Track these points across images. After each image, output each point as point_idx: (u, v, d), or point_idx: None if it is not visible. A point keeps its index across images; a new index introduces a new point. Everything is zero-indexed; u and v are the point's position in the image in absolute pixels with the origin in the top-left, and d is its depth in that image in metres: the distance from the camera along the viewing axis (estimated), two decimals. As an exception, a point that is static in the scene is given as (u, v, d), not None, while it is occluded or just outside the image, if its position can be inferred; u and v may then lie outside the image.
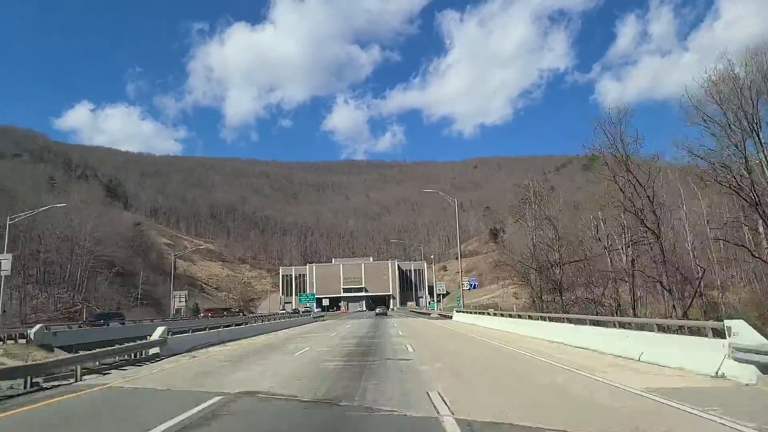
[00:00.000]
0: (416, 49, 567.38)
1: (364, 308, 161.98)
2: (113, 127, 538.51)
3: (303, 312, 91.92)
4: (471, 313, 51.74)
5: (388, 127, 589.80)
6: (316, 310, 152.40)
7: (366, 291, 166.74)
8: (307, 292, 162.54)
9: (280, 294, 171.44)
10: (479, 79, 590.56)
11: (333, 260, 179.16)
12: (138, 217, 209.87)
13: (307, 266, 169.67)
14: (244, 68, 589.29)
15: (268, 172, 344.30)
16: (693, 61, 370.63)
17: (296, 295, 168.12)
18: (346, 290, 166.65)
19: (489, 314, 42.01)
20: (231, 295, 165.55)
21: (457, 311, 61.22)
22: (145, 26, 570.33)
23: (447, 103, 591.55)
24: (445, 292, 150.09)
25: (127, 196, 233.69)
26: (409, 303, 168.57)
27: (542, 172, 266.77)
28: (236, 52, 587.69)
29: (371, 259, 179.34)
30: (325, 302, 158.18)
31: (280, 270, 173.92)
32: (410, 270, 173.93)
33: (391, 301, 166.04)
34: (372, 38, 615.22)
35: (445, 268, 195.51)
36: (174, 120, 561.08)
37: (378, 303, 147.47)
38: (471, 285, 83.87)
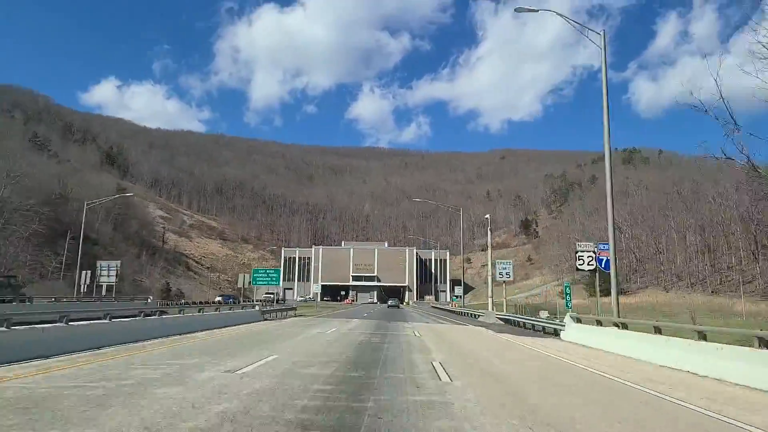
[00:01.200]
0: (447, 39, 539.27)
1: (375, 299, 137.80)
2: (138, 104, 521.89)
3: (258, 301, 65.80)
4: (603, 324, 23.35)
5: (413, 118, 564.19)
6: (299, 298, 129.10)
7: (378, 280, 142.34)
8: (313, 278, 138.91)
9: (281, 279, 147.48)
10: (510, 73, 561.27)
11: (343, 243, 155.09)
12: (134, 187, 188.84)
13: (313, 248, 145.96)
14: (271, 51, 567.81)
15: (284, 153, 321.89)
16: (733, 65, 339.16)
17: (299, 280, 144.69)
18: (355, 278, 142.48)
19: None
20: (224, 276, 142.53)
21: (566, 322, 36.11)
22: (174, 2, 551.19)
23: (474, 96, 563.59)
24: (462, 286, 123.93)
25: (127, 165, 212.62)
26: (427, 297, 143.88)
27: (575, 164, 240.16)
28: (264, 34, 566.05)
29: (386, 244, 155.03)
30: (324, 292, 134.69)
31: (283, 251, 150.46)
32: (430, 260, 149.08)
33: (407, 293, 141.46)
34: (402, 25, 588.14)
35: (469, 260, 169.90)
36: (199, 101, 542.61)
37: (391, 295, 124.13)
38: (504, 273, 59.09)
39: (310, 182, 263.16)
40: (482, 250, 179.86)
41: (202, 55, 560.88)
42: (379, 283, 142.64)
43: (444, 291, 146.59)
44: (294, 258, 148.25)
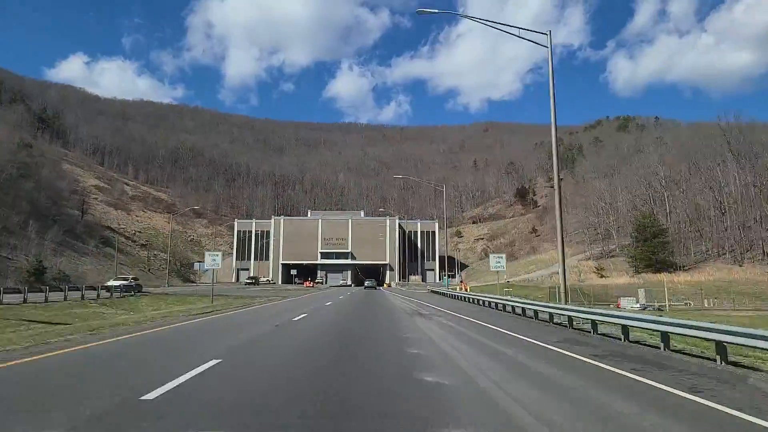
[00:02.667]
0: (428, 15, 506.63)
1: (350, 281, 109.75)
2: (108, 81, 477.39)
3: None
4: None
5: (393, 97, 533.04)
6: (247, 281, 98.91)
7: (353, 258, 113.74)
8: (272, 254, 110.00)
9: (234, 258, 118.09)
10: (490, 50, 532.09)
11: (309, 213, 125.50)
12: (69, 153, 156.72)
13: (273, 220, 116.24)
14: (246, 26, 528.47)
15: (254, 125, 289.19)
16: (709, 45, 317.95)
17: (257, 259, 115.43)
18: (325, 255, 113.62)
19: None
20: (163, 255, 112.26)
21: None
22: None
23: (454, 75, 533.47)
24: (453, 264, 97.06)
25: (65, 130, 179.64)
26: (412, 277, 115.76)
27: (567, 133, 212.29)
28: (238, 8, 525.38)
29: (362, 213, 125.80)
30: (288, 272, 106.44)
31: (236, 224, 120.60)
32: (415, 232, 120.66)
33: (388, 273, 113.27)
34: (382, 1, 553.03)
35: (459, 234, 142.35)
36: (171, 78, 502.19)
37: (369, 275, 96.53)
38: (499, 267, 30.45)
39: (279, 154, 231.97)
40: (473, 222, 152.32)
41: (173, 30, 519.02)
42: (353, 261, 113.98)
43: (432, 270, 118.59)
44: (249, 232, 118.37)
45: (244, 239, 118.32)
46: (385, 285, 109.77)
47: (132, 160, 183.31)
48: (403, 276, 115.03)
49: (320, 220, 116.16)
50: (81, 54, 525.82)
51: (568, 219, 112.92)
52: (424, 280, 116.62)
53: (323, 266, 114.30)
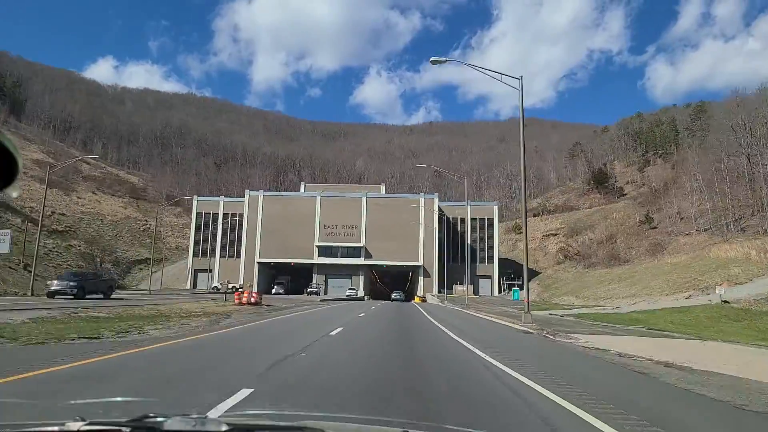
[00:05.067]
0: (460, 19, 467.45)
1: (361, 290, 68.00)
2: (135, 85, 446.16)
3: None
4: None
5: (422, 102, 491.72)
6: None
7: (368, 255, 71.96)
8: (245, 250, 69.14)
9: (191, 253, 76.77)
10: (523, 56, 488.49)
11: (303, 187, 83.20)
12: (19, 125, 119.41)
13: (247, 197, 74.29)
14: (273, 30, 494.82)
15: (267, 116, 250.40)
16: (755, 50, 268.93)
17: (225, 256, 73.96)
18: (325, 251, 72.03)
19: None
20: (82, 247, 72.09)
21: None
22: None
23: (485, 81, 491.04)
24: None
25: (22, 101, 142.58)
26: (459, 287, 72.86)
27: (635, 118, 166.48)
28: (265, 12, 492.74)
29: (383, 189, 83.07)
30: (268, 275, 65.85)
31: (194, 203, 79.13)
32: (463, 220, 77.77)
33: (421, 280, 71.18)
34: (413, 3, 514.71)
35: (518, 229, 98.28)
36: (199, 83, 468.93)
37: (393, 282, 54.98)
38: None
39: (289, 141, 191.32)
40: (535, 215, 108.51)
41: (200, 34, 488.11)
42: (368, 261, 71.85)
43: (488, 276, 75.32)
44: (214, 217, 76.94)
45: (207, 227, 76.83)
46: (416, 298, 67.79)
47: (105, 139, 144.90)
48: (444, 284, 72.17)
49: (318, 198, 74.05)
50: (110, 57, 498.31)
51: (684, 205, 69.30)
52: (476, 292, 73.49)
53: (322, 267, 72.26)
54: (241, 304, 27.59)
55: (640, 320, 25.84)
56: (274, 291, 64.29)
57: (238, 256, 73.59)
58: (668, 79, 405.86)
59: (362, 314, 24.01)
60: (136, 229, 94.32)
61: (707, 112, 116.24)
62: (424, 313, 27.91)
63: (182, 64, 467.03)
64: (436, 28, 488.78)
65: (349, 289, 66.42)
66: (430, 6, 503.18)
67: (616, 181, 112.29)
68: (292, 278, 75.03)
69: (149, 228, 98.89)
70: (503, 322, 19.71)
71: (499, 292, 75.20)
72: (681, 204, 75.06)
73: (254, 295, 28.54)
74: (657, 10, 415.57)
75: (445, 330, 15.58)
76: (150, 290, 62.88)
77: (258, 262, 71.75)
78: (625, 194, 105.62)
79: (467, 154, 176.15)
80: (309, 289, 65.54)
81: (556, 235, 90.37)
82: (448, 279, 71.69)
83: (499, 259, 77.82)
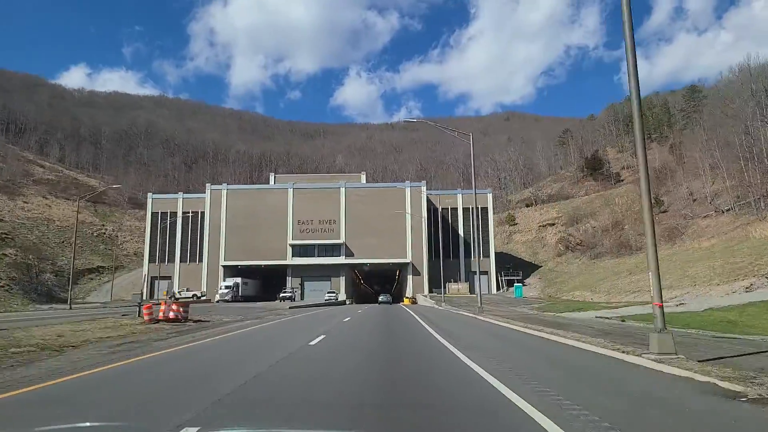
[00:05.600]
0: (438, 18, 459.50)
1: (342, 293, 58.69)
2: (104, 89, 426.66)
3: None
4: None
5: (403, 102, 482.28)
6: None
7: (348, 253, 62.95)
8: (207, 250, 59.43)
9: (146, 258, 66.85)
10: (502, 54, 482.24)
11: (273, 178, 73.48)
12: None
13: (208, 191, 64.50)
14: (250, 33, 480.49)
15: (242, 116, 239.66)
16: (727, 42, 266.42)
17: (186, 260, 64.19)
18: (300, 250, 62.94)
19: None
20: (30, 256, 61.92)
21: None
22: None
23: (465, 79, 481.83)
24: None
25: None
26: (453, 285, 63.99)
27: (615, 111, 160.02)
28: (241, 15, 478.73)
29: (363, 178, 73.77)
30: (240, 279, 56.41)
31: (149, 201, 68.97)
32: (454, 210, 69.03)
33: (410, 279, 62.25)
34: (390, 3, 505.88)
35: (512, 220, 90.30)
36: (175, 88, 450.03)
37: (379, 283, 46.63)
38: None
39: (265, 140, 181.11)
40: (528, 206, 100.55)
41: (175, 39, 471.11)
42: (350, 260, 62.79)
43: (485, 273, 66.47)
44: (172, 216, 67.08)
45: (164, 228, 66.95)
46: (405, 300, 59.07)
47: (63, 141, 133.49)
48: (434, 282, 63.50)
49: (291, 191, 64.68)
50: (83, 65, 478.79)
51: (695, 184, 61.78)
52: (472, 290, 64.73)
53: (297, 269, 63.03)
54: (153, 321, 18.32)
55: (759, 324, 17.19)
56: (218, 298, 55.35)
57: (200, 260, 63.87)
58: (644, 73, 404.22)
59: (327, 333, 14.83)
60: (89, 235, 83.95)
61: (701, 92, 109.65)
62: (425, 325, 18.99)
63: (158, 69, 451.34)
64: (415, 27, 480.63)
65: (328, 292, 57.16)
66: (407, 5, 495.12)
67: (610, 167, 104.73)
68: (263, 282, 65.63)
69: (105, 233, 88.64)
70: (606, 353, 10.26)
71: (498, 289, 66.62)
72: (691, 185, 67.38)
73: (174, 307, 19.21)
74: (631, 5, 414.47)
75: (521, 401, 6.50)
76: (102, 302, 53.10)
77: (223, 266, 62.14)
78: (622, 180, 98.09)
79: (451, 147, 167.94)
80: (282, 294, 56.20)
81: (553, 224, 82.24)
82: (443, 275, 63.00)
83: (495, 254, 69.26)
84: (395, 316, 26.03)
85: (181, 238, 66.92)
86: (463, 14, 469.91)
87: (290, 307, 38.90)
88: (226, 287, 56.89)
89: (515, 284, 58.22)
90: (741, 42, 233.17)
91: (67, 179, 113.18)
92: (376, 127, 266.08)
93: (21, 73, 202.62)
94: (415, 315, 26.12)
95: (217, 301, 53.74)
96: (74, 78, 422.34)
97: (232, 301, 53.25)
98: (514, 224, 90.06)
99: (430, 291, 62.69)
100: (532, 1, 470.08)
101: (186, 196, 69.35)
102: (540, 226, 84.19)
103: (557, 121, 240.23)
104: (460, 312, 28.20)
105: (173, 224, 67.04)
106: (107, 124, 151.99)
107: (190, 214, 67.02)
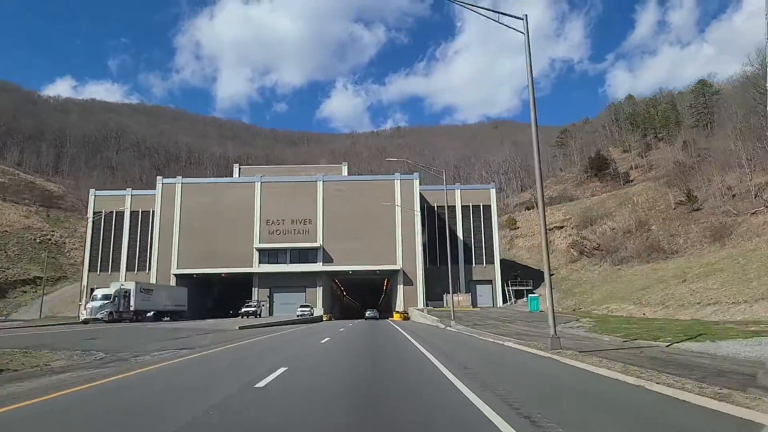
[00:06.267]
0: (425, 31, 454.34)
1: (319, 306, 47.17)
2: (82, 97, 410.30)
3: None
4: None
5: (389, 114, 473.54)
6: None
7: (327, 259, 51.71)
8: (156, 256, 47.51)
9: (86, 267, 55.20)
10: (487, 67, 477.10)
11: (237, 170, 62.32)
12: None
13: (159, 185, 53.28)
14: (237, 46, 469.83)
15: (222, 124, 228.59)
16: (710, 55, 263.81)
17: (134, 269, 52.16)
18: (268, 254, 51.67)
19: None
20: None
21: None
22: None
23: (451, 91, 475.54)
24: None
25: None
26: (453, 297, 52.08)
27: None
28: (227, 28, 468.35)
29: (345, 170, 62.94)
30: (197, 292, 44.89)
31: (91, 199, 57.51)
32: (452, 209, 58.28)
33: (401, 289, 50.94)
34: (377, 16, 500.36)
35: (513, 224, 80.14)
36: (161, 101, 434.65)
37: (364, 295, 40.03)
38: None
39: (244, 145, 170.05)
40: (528, 209, 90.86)
41: (162, 51, 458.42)
42: (328, 267, 52.06)
43: (488, 282, 56.17)
44: (118, 217, 55.86)
45: (109, 232, 55.70)
46: (395, 315, 48.39)
47: (23, 143, 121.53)
48: (432, 294, 53.06)
49: (258, 185, 53.82)
50: (68, 77, 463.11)
51: (728, 179, 52.46)
52: (475, 302, 54.21)
53: (266, 278, 52.05)
54: None
55: None
56: (87, 315, 36.62)
57: (148, 269, 52.57)
58: (628, 85, 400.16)
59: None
60: (30, 241, 72.15)
61: (711, 87, 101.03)
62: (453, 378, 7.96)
63: (144, 82, 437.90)
64: (401, 40, 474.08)
65: (301, 306, 46.24)
66: (394, 19, 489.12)
67: (617, 167, 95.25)
68: (225, 294, 54.55)
69: (50, 239, 76.84)
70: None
71: (504, 300, 56.08)
72: (725, 179, 57.78)
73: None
74: (615, 19, 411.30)
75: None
76: (24, 320, 41.78)
77: (175, 275, 50.94)
78: (632, 180, 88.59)
79: (440, 151, 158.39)
80: (244, 309, 45.18)
81: (562, 227, 72.17)
82: (439, 285, 52.45)
83: (501, 260, 58.83)
84: (389, 346, 15.40)
85: (129, 242, 55.64)
86: (449, 28, 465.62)
87: (240, 327, 27.95)
88: (104, 299, 37.38)
89: (529, 295, 47.72)
90: (723, 55, 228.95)
91: (22, 182, 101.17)
92: (362, 134, 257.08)
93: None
94: (417, 344, 15.47)
95: (85, 321, 36.01)
96: (59, 90, 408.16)
97: (115, 321, 36.39)
98: (516, 228, 79.96)
99: (426, 304, 52.04)
100: (517, 14, 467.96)
101: (135, 192, 58.04)
102: (546, 229, 74.05)
103: (547, 129, 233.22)
104: (484, 338, 17.49)
105: (119, 226, 55.79)
106: (75, 127, 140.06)
107: (140, 214, 55.80)
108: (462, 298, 53.24)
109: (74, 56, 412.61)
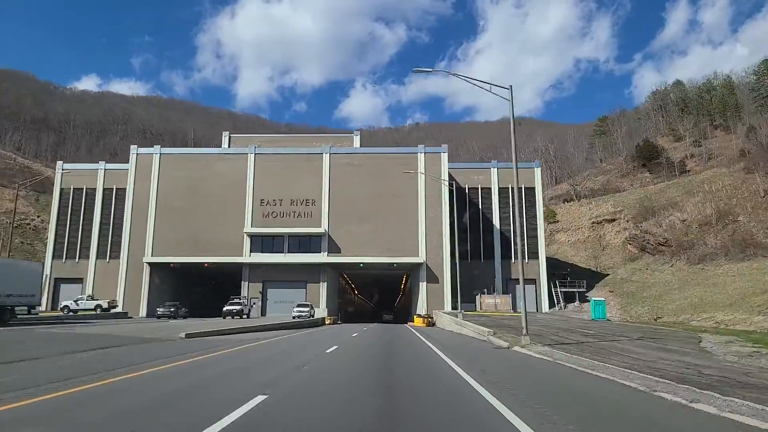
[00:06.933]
0: (446, 30, 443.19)
1: (323, 307, 36.42)
2: (97, 90, 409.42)
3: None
4: None
5: (408, 114, 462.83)
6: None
7: (332, 248, 41.17)
8: (128, 239, 37.05)
9: (49, 253, 45.95)
10: (509, 67, 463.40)
11: (226, 138, 52.26)
12: None
13: (133, 159, 43.80)
14: (257, 45, 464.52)
15: (237, 116, 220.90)
16: (743, 56, 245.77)
17: (105, 255, 42.30)
18: (260, 242, 41.12)
19: None
20: None
21: None
22: None
23: (473, 92, 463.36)
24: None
25: None
26: (485, 297, 42.01)
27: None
28: (248, 27, 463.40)
29: (356, 140, 52.34)
30: (172, 289, 34.75)
31: (58, 177, 48.22)
32: (486, 192, 47.68)
33: (423, 288, 39.90)
34: (398, 15, 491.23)
35: (552, 217, 69.03)
36: (183, 98, 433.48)
37: (379, 293, 27.14)
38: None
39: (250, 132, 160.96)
40: (566, 201, 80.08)
41: (183, 50, 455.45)
42: (333, 258, 41.86)
43: (532, 281, 45.36)
44: (89, 194, 46.52)
45: (78, 212, 46.63)
46: (416, 320, 37.87)
47: (23, 127, 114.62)
48: (458, 292, 42.68)
49: (251, 157, 44.10)
50: (93, 75, 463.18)
51: None
52: (514, 305, 43.45)
53: (258, 270, 42.23)
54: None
55: None
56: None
57: (116, 256, 43.21)
58: (656, 87, 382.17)
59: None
60: (5, 225, 63.63)
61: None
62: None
63: (166, 80, 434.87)
64: (422, 40, 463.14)
65: (298, 306, 36.38)
66: (415, 18, 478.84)
67: (669, 156, 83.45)
68: (210, 288, 45.05)
69: (29, 224, 68.41)
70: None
71: (552, 305, 45.46)
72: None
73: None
74: (644, 17, 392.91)
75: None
76: None
77: (148, 264, 41.49)
78: (688, 170, 76.93)
79: (463, 144, 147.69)
80: (227, 308, 35.52)
81: (613, 220, 61.03)
82: (470, 282, 42.23)
83: (547, 258, 48.18)
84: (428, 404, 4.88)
85: (101, 225, 46.36)
86: (472, 27, 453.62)
87: (187, 335, 18.08)
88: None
89: (592, 299, 36.95)
90: (756, 56, 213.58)
91: (17, 167, 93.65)
92: (380, 129, 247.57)
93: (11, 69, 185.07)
94: (497, 403, 4.88)
95: None
96: (84, 87, 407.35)
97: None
98: (555, 221, 69.01)
99: (453, 306, 41.80)
100: (541, 14, 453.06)
101: (110, 166, 48.70)
102: (594, 222, 63.04)
103: (574, 127, 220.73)
104: (671, 397, 7.16)
105: (90, 206, 46.64)
106: (80, 114, 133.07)
107: (115, 192, 46.55)
108: (500, 301, 42.73)
109: (99, 54, 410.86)
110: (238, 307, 35.67)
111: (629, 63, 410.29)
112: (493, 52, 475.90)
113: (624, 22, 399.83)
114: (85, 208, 46.69)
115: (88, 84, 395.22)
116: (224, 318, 35.00)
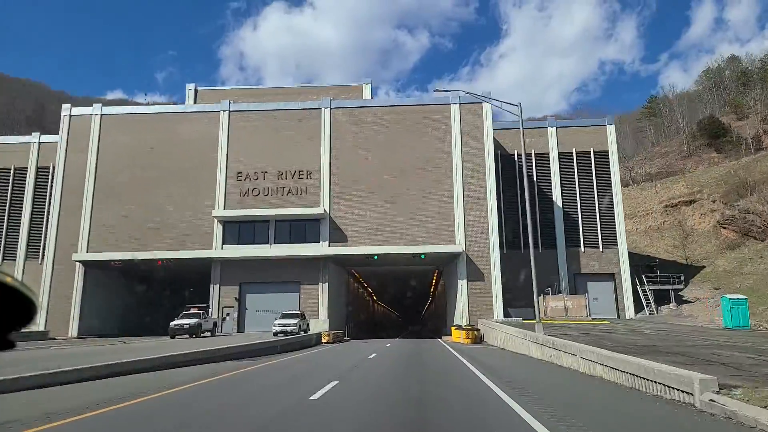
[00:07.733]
0: (469, 36, 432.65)
1: (325, 317, 23.42)
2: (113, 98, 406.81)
3: None
4: None
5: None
6: None
7: (334, 236, 28.93)
8: (56, 230, 24.40)
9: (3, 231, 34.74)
10: (534, 70, 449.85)
11: (189, 93, 40.54)
12: None
13: (65, 121, 32.50)
14: (280, 55, 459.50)
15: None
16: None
17: (29, 258, 30.12)
18: (237, 229, 29.05)
19: None
20: None
21: None
22: (179, 5, 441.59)
23: (496, 96, 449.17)
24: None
25: None
26: (549, 298, 28.93)
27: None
28: (271, 38, 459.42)
29: (367, 92, 40.25)
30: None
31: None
32: (542, 158, 35.20)
33: (463, 287, 26.93)
34: (420, 22, 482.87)
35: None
36: None
37: (401, 298, 10.18)
38: None
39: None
40: (625, 185, 66.67)
41: (206, 63, 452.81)
42: (336, 248, 29.72)
43: (609, 276, 32.47)
44: (19, 175, 35.23)
45: (3, 199, 35.47)
46: (454, 333, 24.29)
47: (16, 128, 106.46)
48: (510, 292, 30.35)
49: (225, 115, 32.38)
50: (118, 91, 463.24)
51: None
52: (588, 310, 30.66)
53: (233, 267, 30.13)
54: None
55: None
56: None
57: (44, 252, 31.92)
58: (681, 87, 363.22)
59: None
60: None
61: None
62: None
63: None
64: (445, 46, 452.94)
65: (283, 316, 24.52)
66: (437, 24, 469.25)
67: (739, 133, 69.91)
68: (168, 294, 33.51)
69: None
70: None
71: (639, 309, 32.79)
72: None
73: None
74: (669, 17, 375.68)
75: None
76: None
77: (81, 263, 30.05)
78: (764, 147, 63.52)
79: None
80: (176, 323, 23.80)
81: (693, 202, 48.02)
82: (529, 279, 29.70)
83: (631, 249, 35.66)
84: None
85: (32, 214, 35.16)
86: (494, 31, 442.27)
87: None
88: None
89: (725, 297, 24.11)
90: None
91: None
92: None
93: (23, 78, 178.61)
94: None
95: None
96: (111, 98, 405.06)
97: None
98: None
99: (506, 313, 29.54)
100: (565, 15, 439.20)
101: (46, 139, 37.43)
102: (667, 206, 50.08)
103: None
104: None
105: (20, 191, 35.53)
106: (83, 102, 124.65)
107: (51, 171, 35.34)
108: (573, 303, 30.15)
109: (124, 69, 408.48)
110: (191, 321, 23.91)
111: (655, 63, 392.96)
112: (517, 55, 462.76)
113: (650, 23, 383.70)
114: (12, 195, 35.57)
115: (113, 100, 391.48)
116: (172, 337, 23.36)
